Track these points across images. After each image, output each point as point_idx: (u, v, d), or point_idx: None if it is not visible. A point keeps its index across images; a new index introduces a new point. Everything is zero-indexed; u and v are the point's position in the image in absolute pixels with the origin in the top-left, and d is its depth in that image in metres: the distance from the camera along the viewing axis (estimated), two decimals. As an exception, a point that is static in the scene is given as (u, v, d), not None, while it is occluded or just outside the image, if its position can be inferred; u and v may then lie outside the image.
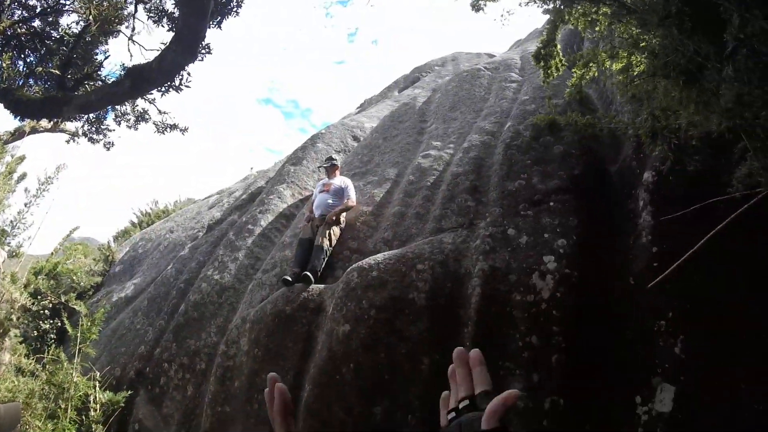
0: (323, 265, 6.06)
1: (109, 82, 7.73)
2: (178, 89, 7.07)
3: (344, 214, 6.65)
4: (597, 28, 5.74)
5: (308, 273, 5.84)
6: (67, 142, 9.45)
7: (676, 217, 4.13)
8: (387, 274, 5.08)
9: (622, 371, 4.05)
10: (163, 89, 7.15)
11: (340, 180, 6.91)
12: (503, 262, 4.81)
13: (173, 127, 8.68)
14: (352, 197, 6.73)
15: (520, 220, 5.18)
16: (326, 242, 6.18)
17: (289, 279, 6.06)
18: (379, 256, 5.39)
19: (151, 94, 8.04)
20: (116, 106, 8.69)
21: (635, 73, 5.08)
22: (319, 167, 7.58)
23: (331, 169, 7.09)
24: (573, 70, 6.39)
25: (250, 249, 7.75)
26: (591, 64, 6.02)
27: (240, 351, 5.95)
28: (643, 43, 4.55)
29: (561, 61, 6.40)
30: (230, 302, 7.09)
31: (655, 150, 4.49)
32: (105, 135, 9.11)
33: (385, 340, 4.74)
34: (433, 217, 5.90)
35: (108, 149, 9.19)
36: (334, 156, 7.23)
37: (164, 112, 8.62)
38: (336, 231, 6.44)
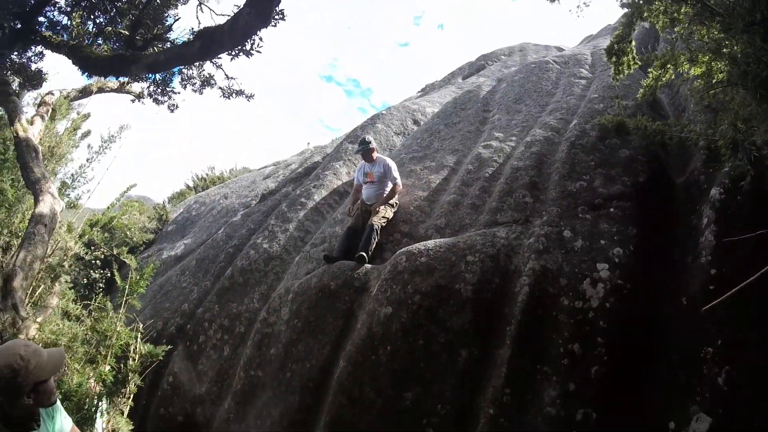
0: (374, 246, 6.02)
1: (179, 44, 7.86)
2: (248, 54, 7.04)
3: (400, 190, 6.57)
4: (677, 28, 5.46)
5: (363, 254, 5.82)
6: (132, 101, 9.71)
7: (740, 239, 3.90)
8: (436, 262, 5.05)
9: (660, 393, 3.93)
10: (233, 53, 7.14)
11: (380, 164, 6.64)
12: (555, 263, 4.70)
13: (239, 93, 8.72)
14: (397, 178, 6.55)
15: (577, 223, 5.04)
16: (378, 223, 6.12)
17: (331, 256, 6.11)
18: (430, 243, 5.35)
19: (220, 58, 8.10)
20: (183, 70, 8.84)
21: (714, 81, 4.79)
22: (356, 152, 7.35)
23: (367, 153, 6.69)
24: (649, 70, 6.09)
25: (301, 222, 7.79)
26: (668, 66, 5.71)
27: (280, 320, 6.03)
28: (725, 49, 4.28)
29: (634, 59, 6.10)
30: (276, 271, 7.16)
31: (736, 163, 4.22)
32: (170, 97, 9.27)
33: (426, 327, 4.74)
34: (489, 210, 5.79)
35: (172, 111, 9.36)
36: (367, 137, 6.89)
37: (231, 78, 8.67)
38: (389, 213, 6.37)
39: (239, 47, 7.01)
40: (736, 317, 3.76)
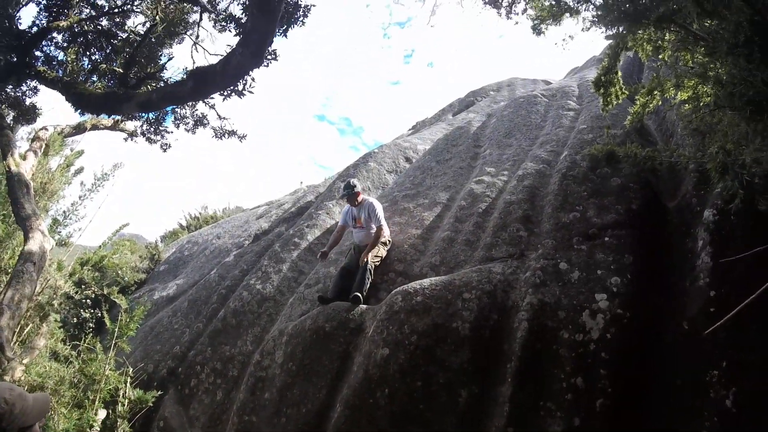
0: (368, 286, 5.94)
1: (172, 83, 7.90)
2: (240, 94, 7.10)
3: (388, 233, 6.46)
4: (661, 56, 5.54)
5: (358, 294, 5.73)
6: (126, 139, 9.70)
7: (737, 259, 3.92)
8: (432, 300, 4.98)
9: (666, 419, 3.88)
10: (226, 93, 7.20)
11: (365, 207, 6.46)
12: (553, 297, 4.64)
13: (231, 133, 8.74)
14: (381, 221, 6.31)
15: (573, 254, 5.01)
16: (372, 262, 6.05)
17: (325, 297, 6.04)
18: (426, 281, 5.29)
19: (212, 98, 8.15)
20: (176, 109, 8.88)
21: (702, 104, 4.86)
22: (340, 197, 7.13)
23: (352, 197, 6.50)
24: (636, 97, 6.16)
25: (295, 262, 7.75)
26: (655, 92, 5.78)
27: (274, 363, 5.90)
28: (711, 72, 4.34)
29: (621, 89, 6.17)
30: (269, 313, 7.08)
31: (726, 185, 4.24)
32: (163, 136, 9.28)
33: (424, 367, 4.64)
34: (483, 245, 5.76)
35: (165, 150, 9.35)
36: (352, 181, 6.64)
37: (224, 118, 8.72)
38: (382, 251, 6.31)
39: (231, 87, 7.08)
40: (739, 338, 3.76)
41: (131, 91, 7.43)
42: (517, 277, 5.03)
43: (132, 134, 9.67)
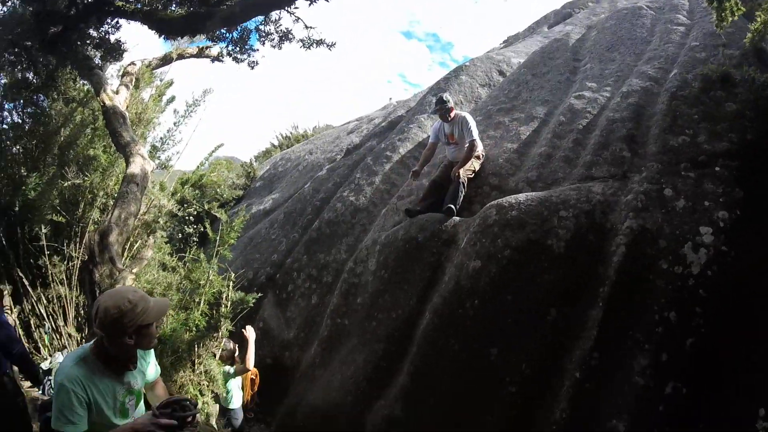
0: (461, 199, 5.95)
1: (253, -7, 7.70)
2: (327, -8, 6.73)
3: (481, 148, 6.35)
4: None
5: (452, 206, 5.77)
6: (212, 61, 9.79)
7: None
8: (527, 216, 4.93)
9: (756, 374, 3.68)
10: (311, -4, 6.88)
11: (458, 123, 6.35)
12: (655, 224, 4.44)
13: (320, 42, 8.50)
14: (475, 136, 6.18)
15: (679, 181, 4.72)
16: (464, 176, 6.01)
17: (413, 210, 6.12)
18: (521, 196, 5.22)
19: (297, 7, 7.79)
20: (260, 27, 8.79)
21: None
22: (432, 112, 6.98)
23: (446, 113, 6.38)
24: (757, 13, 5.56)
25: (387, 175, 7.84)
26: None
27: (367, 270, 6.18)
28: None
29: (737, 4, 5.55)
30: (362, 223, 7.31)
31: None
32: (249, 54, 9.32)
33: (515, 282, 4.66)
34: (583, 163, 5.56)
35: (252, 68, 9.35)
36: (444, 96, 6.49)
37: (311, 27, 8.58)
38: (476, 165, 6.23)
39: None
40: None
41: (213, 8, 7.37)
42: (617, 199, 4.86)
43: (217, 57, 9.76)
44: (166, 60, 9.81)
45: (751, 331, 3.82)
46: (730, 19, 5.62)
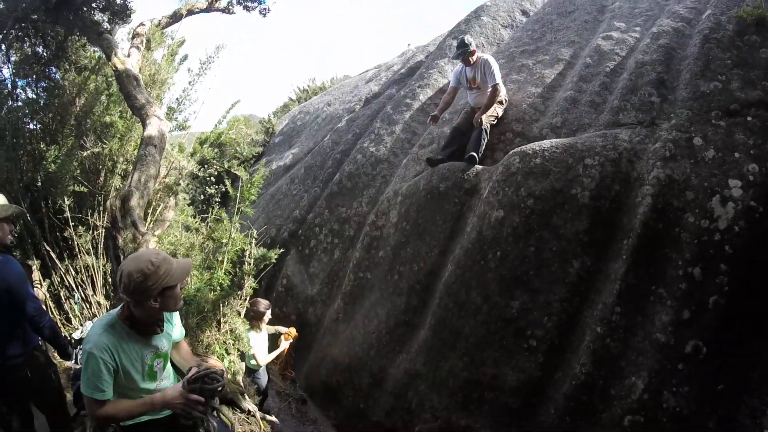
0: (484, 147, 5.79)
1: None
2: None
3: (504, 92, 6.13)
4: None
5: (474, 154, 5.62)
6: (222, 11, 9.56)
7: None
8: (551, 164, 4.76)
9: None
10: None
11: (480, 66, 6.12)
12: (683, 174, 4.21)
13: None
14: (498, 80, 5.95)
15: (709, 130, 4.43)
16: (487, 122, 5.82)
17: (434, 159, 5.98)
18: (545, 143, 5.03)
19: None
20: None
21: None
22: (454, 57, 6.61)
23: (467, 56, 6.13)
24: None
25: (408, 123, 7.69)
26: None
27: (388, 223, 6.13)
28: None
29: None
30: (383, 175, 7.22)
31: None
32: (260, 2, 9.07)
33: (538, 233, 4.56)
34: (610, 108, 5.28)
35: (264, 15, 9.09)
36: (466, 39, 6.19)
37: None
38: (499, 110, 6.02)
39: None
40: None
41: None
42: (645, 147, 4.61)
43: (227, 8, 9.53)
44: (175, 17, 9.63)
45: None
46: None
